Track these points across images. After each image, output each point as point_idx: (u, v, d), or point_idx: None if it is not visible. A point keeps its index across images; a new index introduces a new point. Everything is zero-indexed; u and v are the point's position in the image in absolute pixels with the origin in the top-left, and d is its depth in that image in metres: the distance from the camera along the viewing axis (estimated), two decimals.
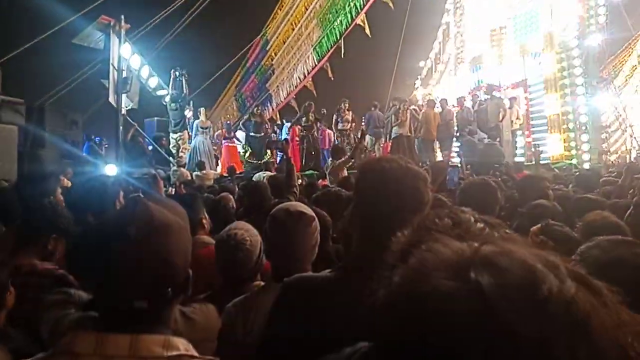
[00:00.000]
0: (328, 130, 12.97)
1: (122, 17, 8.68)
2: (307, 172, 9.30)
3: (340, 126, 10.85)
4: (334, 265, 1.46)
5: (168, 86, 10.37)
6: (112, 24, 8.43)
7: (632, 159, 13.20)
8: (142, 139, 8.78)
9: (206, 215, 2.47)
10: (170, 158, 9.23)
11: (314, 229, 1.72)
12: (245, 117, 11.82)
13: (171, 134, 10.01)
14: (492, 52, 12.83)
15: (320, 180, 6.68)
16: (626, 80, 18.38)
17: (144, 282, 0.86)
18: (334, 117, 11.11)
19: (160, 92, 10.27)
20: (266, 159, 10.73)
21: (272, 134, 12.44)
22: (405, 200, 1.21)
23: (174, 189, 4.22)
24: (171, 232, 0.90)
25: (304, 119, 11.00)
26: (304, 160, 10.72)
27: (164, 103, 10.25)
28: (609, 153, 14.53)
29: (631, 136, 15.86)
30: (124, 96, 8.47)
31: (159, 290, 0.88)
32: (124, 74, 8.41)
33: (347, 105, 10.79)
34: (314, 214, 1.85)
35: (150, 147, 8.63)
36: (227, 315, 1.60)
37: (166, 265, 0.88)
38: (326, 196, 3.12)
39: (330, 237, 2.45)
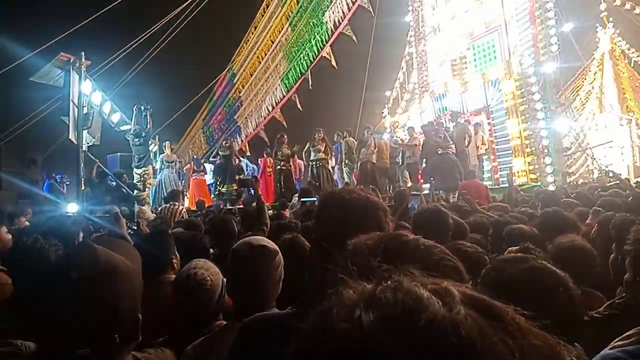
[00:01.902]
0: (298, 160, 13.06)
1: (83, 53, 8.59)
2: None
3: (312, 156, 10.87)
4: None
5: (131, 121, 10.26)
6: (72, 60, 8.32)
7: (594, 180, 13.83)
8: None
9: (177, 254, 2.40)
10: (136, 193, 9.03)
11: (278, 263, 1.70)
12: (215, 150, 11.67)
13: (135, 170, 9.83)
14: (454, 81, 13.36)
15: (283, 211, 6.67)
16: (582, 105, 19.44)
17: (87, 329, 0.83)
18: (307, 146, 11.13)
19: (123, 128, 10.10)
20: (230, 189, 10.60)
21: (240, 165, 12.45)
22: (366, 230, 1.23)
23: (135, 227, 4.11)
24: (117, 275, 0.88)
25: (279, 153, 11.02)
26: (281, 192, 10.70)
27: (127, 138, 10.11)
28: (572, 175, 15.19)
29: (592, 158, 16.67)
30: (85, 132, 8.28)
31: (104, 336, 0.85)
32: (85, 110, 8.25)
33: (321, 134, 10.83)
34: (277, 248, 1.84)
35: (113, 184, 8.44)
36: (186, 359, 1.55)
37: (112, 310, 0.86)
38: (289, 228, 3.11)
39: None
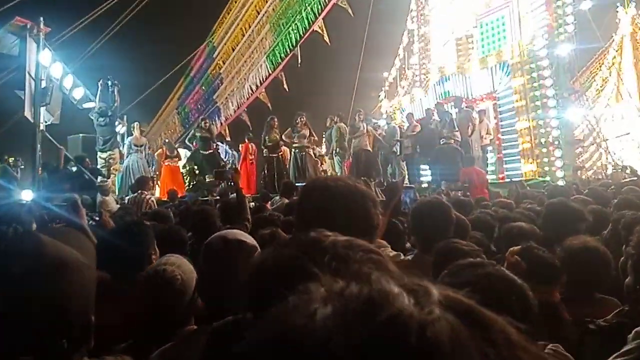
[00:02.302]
0: (284, 147, 13.01)
1: (42, 19, 8.42)
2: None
3: (296, 143, 10.83)
4: None
5: (96, 98, 10.10)
6: (28, 26, 8.16)
7: (607, 175, 14.02)
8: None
9: (156, 249, 2.36)
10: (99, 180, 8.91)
11: None
12: (191, 132, 11.48)
13: (99, 153, 9.69)
14: (459, 63, 13.37)
15: (265, 203, 6.65)
16: (598, 92, 19.63)
17: (30, 333, 0.80)
18: (288, 131, 11.06)
19: (86, 105, 9.98)
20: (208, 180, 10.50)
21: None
22: (353, 222, 1.21)
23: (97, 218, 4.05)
24: (67, 272, 0.85)
25: (267, 138, 10.91)
26: (276, 185, 10.66)
27: (91, 117, 9.96)
28: (584, 169, 15.38)
29: (606, 151, 16.87)
30: (42, 109, 8.15)
31: (50, 341, 0.82)
32: (43, 84, 8.12)
33: (303, 119, 10.76)
34: (256, 244, 1.82)
35: (74, 169, 8.33)
36: None
37: (59, 311, 0.83)
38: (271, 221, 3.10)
39: None
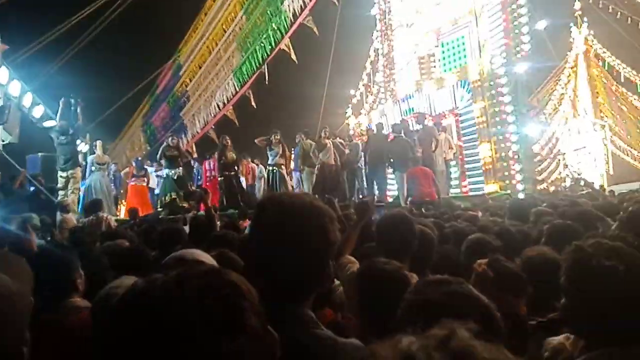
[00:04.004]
0: (251, 164, 12.94)
1: None
2: (227, 212, 9.17)
3: (270, 160, 10.81)
4: None
5: (57, 116, 9.84)
6: None
7: (566, 187, 14.48)
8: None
9: (82, 273, 2.24)
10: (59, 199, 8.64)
11: None
12: (160, 150, 11.01)
13: (60, 172, 9.41)
14: (422, 80, 13.68)
15: (241, 222, 6.59)
16: (555, 109, 20.36)
17: None
18: (267, 152, 11.02)
19: (47, 124, 9.72)
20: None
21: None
22: (308, 240, 1.20)
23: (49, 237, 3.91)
24: None
25: (223, 158, 10.83)
26: (224, 201, 10.56)
27: (52, 136, 9.69)
28: (543, 182, 15.85)
29: (564, 165, 17.47)
30: (0, 128, 7.91)
31: None
32: (0, 102, 7.89)
33: (277, 137, 10.76)
34: (215, 263, 1.79)
35: (32, 189, 8.07)
36: None
37: None
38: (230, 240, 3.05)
39: None
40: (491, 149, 11.44)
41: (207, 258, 1.90)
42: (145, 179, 11.69)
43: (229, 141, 10.92)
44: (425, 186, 8.87)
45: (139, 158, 13.08)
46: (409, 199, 9.28)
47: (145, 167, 12.10)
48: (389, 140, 10.97)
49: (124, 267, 2.67)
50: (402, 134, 10.80)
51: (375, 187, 10.97)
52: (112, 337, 0.67)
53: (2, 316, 0.84)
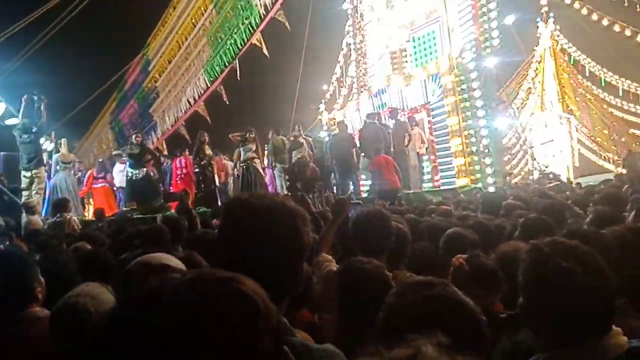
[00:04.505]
0: (224, 161, 12.76)
1: None
2: (200, 210, 9.02)
3: (243, 156, 10.67)
4: None
5: (19, 114, 9.49)
6: None
7: (534, 180, 14.80)
8: None
9: (41, 281, 2.10)
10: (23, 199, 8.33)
11: None
12: (127, 149, 10.59)
13: (23, 172, 9.07)
14: (394, 75, 13.72)
15: (215, 220, 6.49)
16: (523, 103, 20.79)
17: None
18: (239, 149, 10.87)
19: (9, 122, 9.36)
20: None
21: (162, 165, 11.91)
22: (279, 242, 1.15)
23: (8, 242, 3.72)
24: None
25: (200, 154, 10.69)
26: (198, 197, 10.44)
27: (14, 134, 9.34)
28: (512, 175, 16.18)
29: (532, 158, 17.86)
30: None
31: None
32: None
33: (252, 135, 10.63)
34: (182, 267, 1.73)
35: None
36: None
37: None
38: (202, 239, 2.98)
39: None
40: (462, 144, 11.56)
41: (175, 262, 1.82)
42: (106, 181, 11.40)
43: (206, 137, 10.77)
44: (388, 175, 8.99)
45: (100, 160, 12.76)
46: (374, 188, 9.42)
47: (107, 168, 11.81)
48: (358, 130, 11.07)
49: (86, 272, 2.57)
50: (376, 121, 10.90)
51: (351, 184, 11.02)
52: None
53: None
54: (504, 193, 7.34)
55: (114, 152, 11.71)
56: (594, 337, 1.26)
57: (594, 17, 16.96)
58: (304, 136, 11.26)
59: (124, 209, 10.26)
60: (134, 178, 9.89)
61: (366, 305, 1.49)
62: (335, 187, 11.34)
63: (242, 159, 10.58)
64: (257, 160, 10.73)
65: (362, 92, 15.70)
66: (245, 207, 1.20)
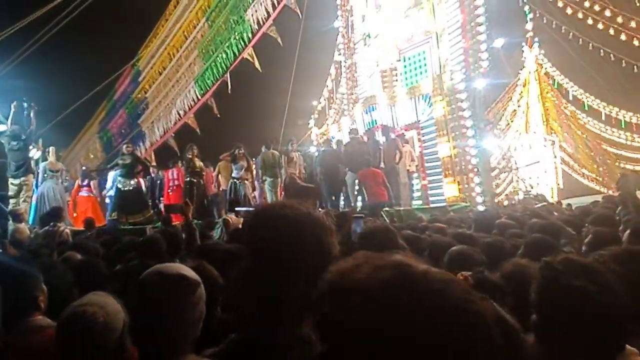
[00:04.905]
0: (214, 173, 12.68)
1: None
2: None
3: (235, 174, 10.64)
4: (222, 341, 1.32)
5: (8, 120, 9.32)
6: None
7: (518, 201, 15.01)
8: None
9: (44, 289, 2.07)
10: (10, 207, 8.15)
11: (199, 298, 1.51)
12: (115, 160, 10.43)
13: (11, 179, 8.88)
14: (384, 93, 13.87)
15: (211, 231, 6.46)
16: (508, 124, 21.17)
17: None
18: (230, 164, 10.86)
19: None
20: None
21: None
22: (306, 253, 1.15)
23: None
24: None
25: (191, 165, 10.65)
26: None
27: (2, 141, 9.17)
28: (498, 195, 16.38)
29: (518, 178, 18.12)
30: None
31: None
32: None
33: (241, 151, 10.62)
34: (198, 278, 1.69)
35: None
36: None
37: None
38: (214, 251, 2.94)
39: (219, 303, 2.27)
40: (451, 162, 11.70)
41: (189, 272, 1.80)
42: (90, 190, 11.23)
43: (195, 149, 10.75)
44: (376, 187, 8.99)
45: (84, 168, 12.61)
46: (363, 203, 9.44)
47: (92, 175, 11.66)
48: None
49: (79, 282, 2.53)
50: (359, 136, 11.01)
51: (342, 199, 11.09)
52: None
53: None
54: (497, 212, 7.42)
55: (108, 166, 11.50)
56: (607, 356, 1.27)
57: (580, 42, 17.43)
58: (295, 150, 11.29)
59: (109, 218, 10.16)
60: (124, 189, 9.77)
61: None
62: (323, 202, 11.35)
63: (233, 175, 10.59)
64: (247, 182, 10.72)
65: (352, 108, 15.82)
66: (272, 217, 1.21)
